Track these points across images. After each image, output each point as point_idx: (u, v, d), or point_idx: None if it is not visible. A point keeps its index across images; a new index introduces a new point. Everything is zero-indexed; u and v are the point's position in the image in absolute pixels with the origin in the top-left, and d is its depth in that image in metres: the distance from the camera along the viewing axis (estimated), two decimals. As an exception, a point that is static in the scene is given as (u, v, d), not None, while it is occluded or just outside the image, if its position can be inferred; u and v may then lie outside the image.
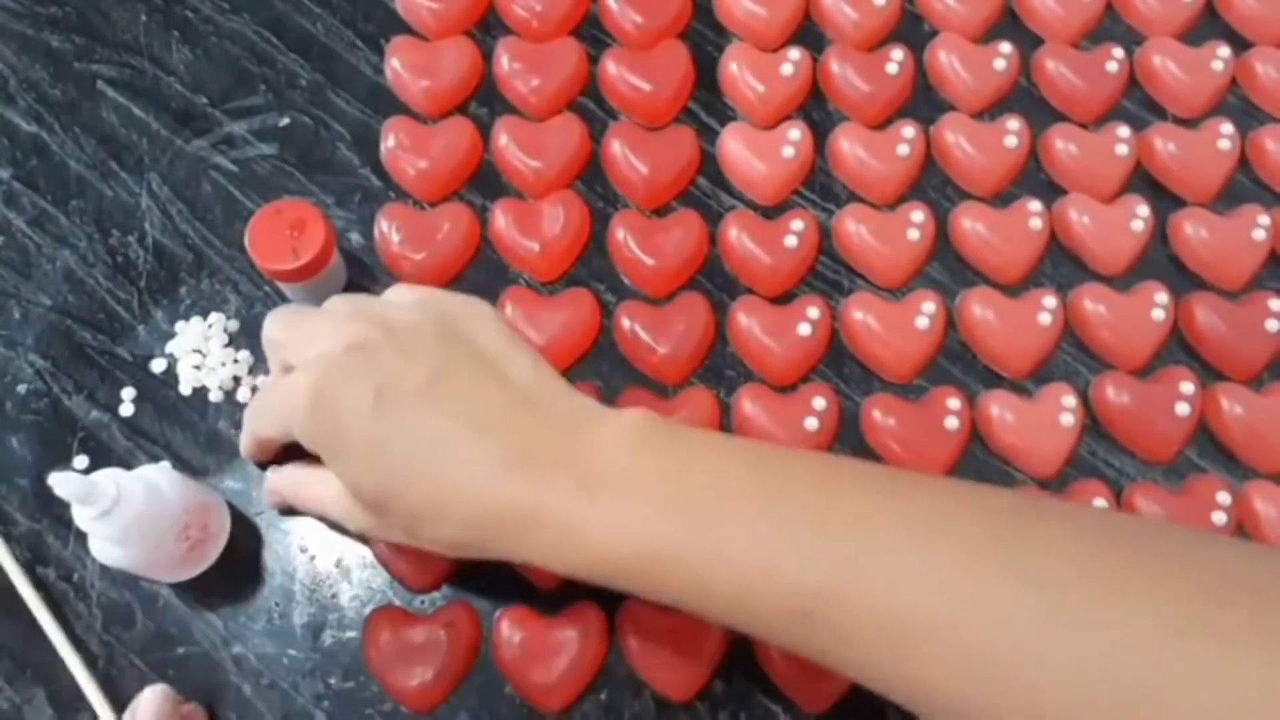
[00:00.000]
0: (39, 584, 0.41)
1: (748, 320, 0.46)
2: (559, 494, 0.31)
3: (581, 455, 0.32)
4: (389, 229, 0.46)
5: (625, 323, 0.45)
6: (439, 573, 0.42)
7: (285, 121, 0.49)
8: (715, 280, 0.47)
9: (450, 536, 0.33)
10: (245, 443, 0.40)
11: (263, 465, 0.42)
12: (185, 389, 0.44)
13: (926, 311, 0.46)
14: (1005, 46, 0.51)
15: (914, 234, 0.47)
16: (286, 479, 0.40)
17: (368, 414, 0.32)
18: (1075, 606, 0.27)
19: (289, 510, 0.42)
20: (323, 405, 0.33)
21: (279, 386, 0.36)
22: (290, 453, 0.39)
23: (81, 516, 0.34)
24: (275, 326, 0.38)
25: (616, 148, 0.48)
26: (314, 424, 0.34)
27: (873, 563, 0.29)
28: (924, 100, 0.51)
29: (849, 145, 0.49)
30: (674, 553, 0.30)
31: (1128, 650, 0.26)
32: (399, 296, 0.38)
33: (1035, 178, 0.49)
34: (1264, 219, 0.48)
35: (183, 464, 0.43)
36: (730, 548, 0.30)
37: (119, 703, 0.40)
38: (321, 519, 0.41)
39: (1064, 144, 0.49)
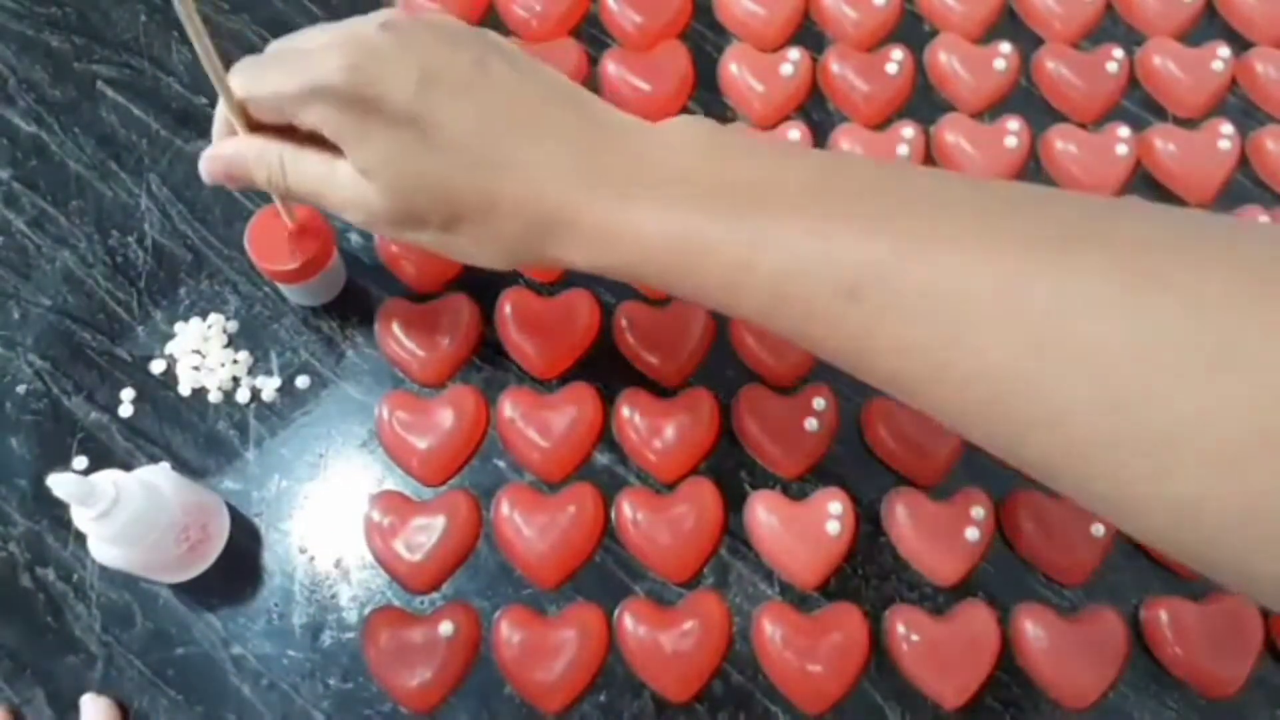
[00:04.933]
0: (39, 584, 0.41)
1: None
2: (607, 191, 0.30)
3: (635, 155, 0.31)
4: (388, 229, 0.46)
5: (624, 323, 0.45)
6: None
7: (285, 122, 0.49)
8: (715, 280, 0.47)
9: (495, 234, 0.31)
10: (247, 88, 0.33)
11: (251, 127, 0.34)
12: (184, 390, 0.44)
13: (926, 312, 0.46)
14: (1005, 46, 0.51)
15: (914, 234, 0.47)
16: (283, 151, 0.33)
17: (413, 94, 0.30)
18: (1147, 272, 0.24)
19: (227, 179, 0.35)
20: (360, 79, 0.30)
21: (309, 55, 0.31)
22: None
23: (81, 517, 0.34)
24: (280, 41, 0.35)
25: (616, 148, 0.48)
26: (347, 101, 0.30)
27: (939, 237, 0.27)
28: (924, 100, 0.51)
29: (849, 146, 0.49)
30: (706, 244, 0.29)
31: (1200, 310, 0.23)
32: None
33: (1036, 178, 0.49)
34: (1264, 219, 0.48)
35: (182, 465, 0.43)
36: (776, 231, 0.28)
37: (117, 704, 0.40)
38: (314, 202, 0.34)
39: (1064, 144, 0.49)
